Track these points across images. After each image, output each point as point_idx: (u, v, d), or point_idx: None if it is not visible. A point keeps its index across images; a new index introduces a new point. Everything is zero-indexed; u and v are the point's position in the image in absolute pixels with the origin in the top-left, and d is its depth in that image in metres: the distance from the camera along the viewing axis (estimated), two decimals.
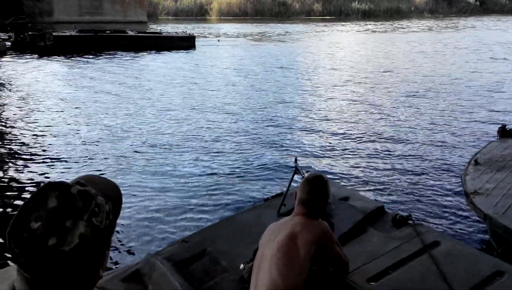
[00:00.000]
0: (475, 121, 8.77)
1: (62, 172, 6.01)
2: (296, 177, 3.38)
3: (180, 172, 6.06)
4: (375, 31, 29.48)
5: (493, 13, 47.74)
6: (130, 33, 20.48)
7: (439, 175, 6.06)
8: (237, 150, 6.99)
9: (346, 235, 2.95)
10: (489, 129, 7.97)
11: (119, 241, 4.23)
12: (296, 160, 3.38)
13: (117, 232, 4.21)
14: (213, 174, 6.00)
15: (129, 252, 4.12)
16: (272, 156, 6.74)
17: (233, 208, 4.95)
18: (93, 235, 0.81)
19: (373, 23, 35.68)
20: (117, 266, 3.59)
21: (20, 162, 6.39)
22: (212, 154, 6.79)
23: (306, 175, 2.76)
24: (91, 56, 16.96)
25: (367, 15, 42.91)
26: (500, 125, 5.64)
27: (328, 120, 8.81)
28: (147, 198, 5.23)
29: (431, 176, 6.04)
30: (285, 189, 3.42)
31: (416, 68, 14.98)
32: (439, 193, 5.49)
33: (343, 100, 10.52)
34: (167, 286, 2.51)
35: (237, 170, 6.16)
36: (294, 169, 3.33)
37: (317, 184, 2.28)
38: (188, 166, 6.29)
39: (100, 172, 5.89)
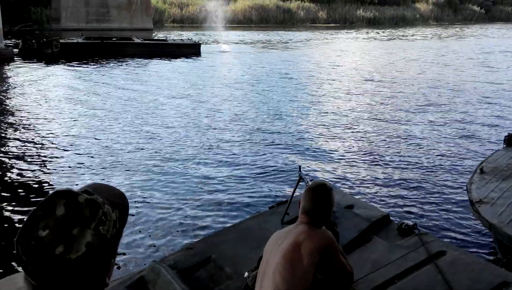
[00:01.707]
0: (481, 129, 8.73)
1: (70, 179, 6.04)
2: (300, 185, 3.37)
3: (184, 180, 6.06)
4: (380, 39, 29.52)
5: (499, 21, 47.70)
6: (136, 40, 20.64)
7: (445, 184, 6.03)
8: (241, 158, 7.00)
9: (351, 243, 2.94)
10: (495, 138, 7.94)
11: (124, 248, 4.23)
12: (300, 168, 3.38)
13: (122, 239, 4.22)
14: (217, 182, 6.01)
15: (134, 259, 4.13)
16: (276, 164, 6.74)
17: (237, 215, 4.95)
18: (100, 244, 0.82)
19: (378, 31, 35.73)
20: (122, 273, 3.58)
21: (28, 169, 6.43)
22: (216, 162, 6.80)
23: (309, 183, 2.76)
24: (97, 63, 17.09)
25: (372, 23, 42.98)
26: (507, 134, 5.61)
27: (333, 128, 8.80)
28: (150, 206, 5.24)
29: (436, 184, 6.01)
30: (289, 196, 3.42)
31: (421, 77, 14.97)
32: (444, 202, 5.46)
33: (347, 108, 10.52)
34: None
35: (242, 178, 6.16)
36: (298, 177, 3.32)
37: (320, 192, 2.27)
38: (193, 174, 6.30)
39: (106, 180, 5.91)
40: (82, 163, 6.64)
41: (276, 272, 2.11)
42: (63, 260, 0.78)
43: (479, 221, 3.93)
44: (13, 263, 3.94)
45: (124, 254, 4.15)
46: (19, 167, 6.49)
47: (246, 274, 2.51)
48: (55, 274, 0.79)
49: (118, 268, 3.86)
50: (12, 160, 6.83)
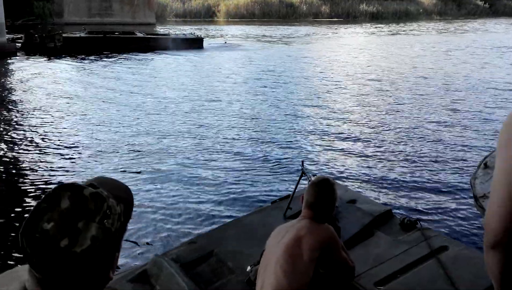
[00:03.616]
0: (485, 123, 8.70)
1: (75, 173, 6.06)
2: (302, 180, 3.37)
3: (187, 174, 6.07)
4: (383, 34, 29.38)
5: (503, 16, 47.33)
6: (139, 34, 20.60)
7: (448, 179, 6.02)
8: (244, 153, 7.00)
9: (353, 238, 2.94)
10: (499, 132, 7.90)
11: (127, 241, 4.25)
12: (302, 163, 3.37)
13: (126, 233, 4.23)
14: (220, 176, 6.01)
15: (137, 252, 4.14)
16: (279, 159, 6.74)
17: (240, 210, 4.96)
18: (104, 237, 0.82)
19: (381, 25, 35.56)
20: (124, 266, 3.60)
21: (31, 163, 6.45)
22: (219, 157, 6.80)
23: (312, 178, 2.76)
24: (100, 57, 17.09)
25: (375, 17, 42.76)
26: None
27: (335, 123, 8.79)
28: (153, 200, 5.26)
29: (439, 179, 6.00)
30: (291, 191, 3.42)
31: (425, 71, 14.90)
32: (447, 197, 5.45)
33: (351, 104, 10.50)
34: (174, 287, 2.52)
35: (245, 172, 6.17)
36: (300, 172, 3.32)
37: (324, 187, 2.27)
38: (195, 168, 6.31)
39: (109, 173, 5.93)
40: (86, 157, 6.66)
41: (278, 266, 2.12)
42: (67, 253, 0.78)
43: (482, 216, 3.92)
44: (18, 256, 3.96)
45: (126, 247, 4.17)
46: (21, 160, 6.51)
47: (248, 268, 2.52)
48: (59, 267, 0.79)
49: (121, 261, 3.88)
50: (15, 153, 6.85)
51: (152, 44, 19.55)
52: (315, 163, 6.60)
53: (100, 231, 0.81)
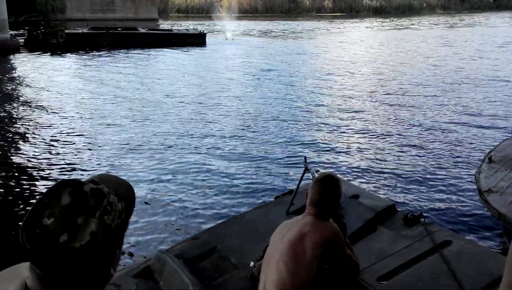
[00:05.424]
0: (490, 118, 8.65)
1: (78, 168, 6.07)
2: (306, 176, 3.36)
3: (190, 171, 6.07)
4: (387, 29, 29.22)
5: (507, 9, 46.96)
6: (141, 30, 20.57)
7: (452, 173, 6.00)
8: (247, 148, 6.99)
9: (356, 233, 2.93)
10: (504, 127, 7.87)
11: (130, 238, 4.26)
12: (305, 159, 3.37)
13: (128, 229, 4.24)
14: (223, 172, 6.01)
15: (140, 248, 4.15)
16: (282, 155, 6.73)
17: (243, 205, 4.96)
18: (104, 233, 0.81)
19: (385, 20, 35.36)
20: (128, 262, 3.61)
21: (33, 160, 6.46)
22: (222, 152, 6.80)
23: (316, 174, 2.75)
24: (102, 53, 17.09)
25: (378, 12, 42.56)
26: None
27: (338, 118, 8.77)
28: (155, 196, 5.26)
29: (444, 174, 5.98)
30: (295, 187, 3.42)
31: (429, 66, 14.83)
32: (452, 192, 5.43)
33: (354, 99, 10.46)
34: (177, 283, 2.52)
35: (248, 168, 6.17)
36: (304, 168, 3.31)
37: (328, 184, 2.26)
38: (198, 164, 6.31)
39: (111, 169, 5.94)
40: (88, 154, 6.67)
41: (280, 262, 2.12)
42: (67, 248, 0.78)
43: (487, 211, 3.91)
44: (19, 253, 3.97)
45: (129, 243, 4.18)
46: (25, 158, 6.52)
47: (252, 263, 2.52)
48: (58, 263, 0.78)
49: (124, 257, 3.89)
50: (18, 150, 6.86)
51: (154, 40, 19.40)
52: (319, 158, 6.58)
53: (100, 227, 0.81)
